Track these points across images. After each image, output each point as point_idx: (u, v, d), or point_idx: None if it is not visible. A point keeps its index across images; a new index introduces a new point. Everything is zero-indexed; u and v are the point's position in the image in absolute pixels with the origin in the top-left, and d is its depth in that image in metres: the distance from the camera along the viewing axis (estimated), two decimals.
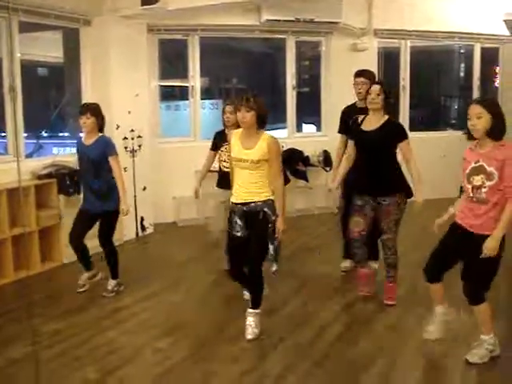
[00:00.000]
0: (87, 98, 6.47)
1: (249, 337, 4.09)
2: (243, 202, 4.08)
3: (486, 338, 3.67)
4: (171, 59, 8.58)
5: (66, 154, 7.21)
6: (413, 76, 8.95)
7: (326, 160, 7.97)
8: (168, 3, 6.35)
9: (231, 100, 5.44)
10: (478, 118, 3.40)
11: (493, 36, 9.12)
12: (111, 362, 3.79)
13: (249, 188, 4.05)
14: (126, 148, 6.66)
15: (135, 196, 6.86)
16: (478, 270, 3.53)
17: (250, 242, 4.08)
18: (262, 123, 4.03)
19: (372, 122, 4.57)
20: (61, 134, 8.55)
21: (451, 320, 3.92)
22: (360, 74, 5.26)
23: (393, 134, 4.53)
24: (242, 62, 10.08)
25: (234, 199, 4.16)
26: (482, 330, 3.69)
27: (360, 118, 4.67)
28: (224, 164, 5.13)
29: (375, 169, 4.55)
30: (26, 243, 5.45)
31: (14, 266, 5.35)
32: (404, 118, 8.63)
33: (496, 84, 9.83)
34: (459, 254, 3.63)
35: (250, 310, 4.16)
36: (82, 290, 5.09)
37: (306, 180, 7.97)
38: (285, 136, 8.18)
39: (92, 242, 5.12)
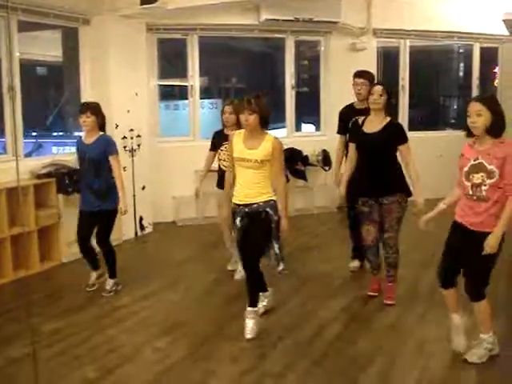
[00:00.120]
0: (86, 97, 6.47)
1: (248, 336, 4.09)
2: (245, 203, 4.09)
3: (485, 337, 3.67)
4: (170, 58, 8.59)
5: (65, 154, 7.19)
6: (412, 76, 8.96)
7: (325, 159, 7.97)
8: (167, 2, 6.34)
9: (230, 100, 5.46)
10: (478, 116, 3.40)
11: (492, 36, 9.14)
12: (111, 360, 3.79)
13: (251, 188, 4.06)
14: (125, 147, 6.66)
15: (134, 195, 6.86)
16: (478, 266, 3.53)
17: (248, 240, 4.10)
18: (265, 124, 4.05)
19: (374, 124, 4.57)
20: (60, 134, 8.54)
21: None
22: (360, 74, 5.25)
23: (394, 136, 4.53)
24: (241, 61, 10.07)
25: (235, 200, 4.16)
26: (481, 329, 3.69)
27: (360, 119, 4.66)
28: (223, 163, 5.14)
29: (377, 170, 4.55)
30: (25, 243, 5.46)
31: (13, 265, 5.35)
32: (403, 118, 8.64)
33: (495, 83, 9.84)
34: (463, 253, 3.60)
35: (249, 309, 4.16)
36: (91, 289, 5.08)
37: (305, 179, 7.98)
38: (284, 135, 8.18)
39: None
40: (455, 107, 10.89)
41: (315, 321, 4.40)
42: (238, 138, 4.12)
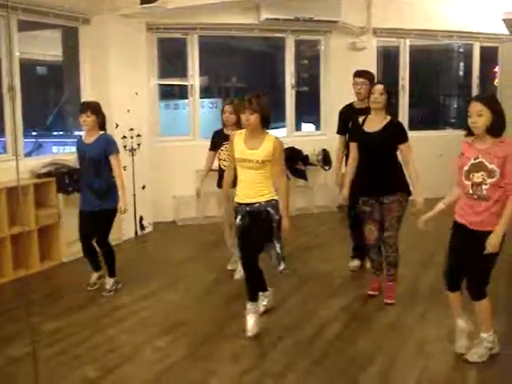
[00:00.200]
0: (86, 96, 6.46)
1: (249, 334, 4.09)
2: (247, 202, 4.11)
3: (486, 336, 3.66)
4: (170, 58, 8.58)
5: (65, 153, 7.20)
6: (412, 75, 8.96)
7: (325, 159, 7.97)
8: (167, 2, 6.34)
9: (230, 100, 5.47)
10: (479, 116, 3.39)
11: (492, 35, 9.14)
12: (111, 360, 3.79)
13: (252, 188, 4.07)
14: (125, 147, 6.66)
15: (134, 195, 6.86)
16: (479, 265, 3.53)
17: (248, 236, 4.12)
18: (265, 123, 4.07)
19: (374, 123, 4.57)
20: (60, 133, 8.54)
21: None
22: (360, 74, 5.25)
23: (395, 135, 4.54)
24: (241, 60, 10.07)
25: (237, 199, 4.18)
26: (481, 327, 3.68)
27: (361, 118, 4.66)
28: (224, 163, 5.13)
29: (377, 169, 4.55)
30: (25, 242, 5.46)
31: (13, 264, 5.35)
32: (403, 117, 8.63)
33: (495, 83, 9.84)
34: (465, 253, 3.59)
35: (249, 305, 4.17)
36: (92, 288, 5.08)
37: (306, 179, 7.97)
38: (284, 135, 8.18)
39: None
40: (455, 106, 10.89)
41: (315, 320, 4.40)
42: (239, 138, 4.12)
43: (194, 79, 7.84)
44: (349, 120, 4.89)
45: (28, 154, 6.61)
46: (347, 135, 5.09)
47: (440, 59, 10.42)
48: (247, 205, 4.11)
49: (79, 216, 5.01)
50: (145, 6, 6.25)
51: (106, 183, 4.87)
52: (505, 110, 3.46)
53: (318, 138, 8.42)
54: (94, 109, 4.87)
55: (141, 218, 7.11)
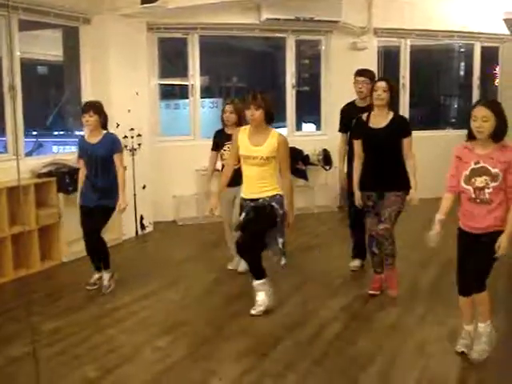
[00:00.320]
0: (87, 96, 6.47)
1: (260, 308, 4.26)
2: (252, 198, 4.17)
3: (483, 326, 3.64)
4: (171, 58, 8.58)
5: (65, 153, 7.20)
6: (413, 75, 8.96)
7: (326, 159, 7.97)
8: (168, 2, 6.34)
9: (231, 99, 5.48)
10: (485, 121, 3.38)
11: (493, 35, 9.13)
12: (110, 360, 3.79)
13: (256, 184, 4.12)
14: (125, 147, 6.63)
15: (135, 194, 6.86)
16: (483, 261, 3.52)
17: (250, 225, 4.19)
18: (270, 120, 4.10)
19: (379, 119, 4.60)
20: (61, 133, 8.54)
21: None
22: (361, 73, 5.27)
23: (400, 129, 4.60)
24: (241, 60, 10.07)
25: (243, 194, 4.26)
26: (479, 318, 3.67)
27: (364, 116, 4.68)
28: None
29: (383, 165, 4.58)
30: (25, 242, 5.45)
31: (14, 264, 5.35)
32: None
33: (496, 83, 9.83)
34: (472, 255, 3.57)
35: (255, 282, 4.29)
36: (92, 287, 5.08)
37: (306, 179, 7.97)
38: (284, 135, 8.15)
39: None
40: (456, 106, 10.88)
41: (315, 320, 4.40)
42: (243, 134, 4.15)
43: (195, 79, 7.84)
44: (351, 118, 4.90)
45: (28, 154, 6.61)
46: (349, 133, 5.10)
47: (441, 59, 10.41)
48: (252, 200, 4.16)
49: (80, 212, 5.02)
50: (145, 5, 6.26)
51: (110, 182, 4.90)
52: (505, 110, 3.46)
53: (318, 137, 8.42)
54: (97, 108, 4.88)
55: (141, 218, 7.11)
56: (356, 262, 5.52)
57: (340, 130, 5.43)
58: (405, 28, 8.57)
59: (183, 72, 7.93)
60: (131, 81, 6.77)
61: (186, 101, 8.06)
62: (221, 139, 5.31)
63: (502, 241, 3.41)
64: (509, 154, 3.40)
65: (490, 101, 3.79)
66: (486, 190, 3.45)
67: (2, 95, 5.70)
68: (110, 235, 5.23)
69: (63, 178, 5.79)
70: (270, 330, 4.21)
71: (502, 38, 9.19)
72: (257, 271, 4.29)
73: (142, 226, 7.14)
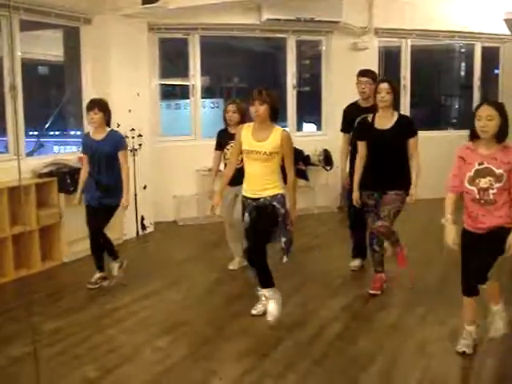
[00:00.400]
0: (87, 96, 6.46)
1: (270, 318, 4.17)
2: (253, 197, 4.16)
3: (497, 308, 3.72)
4: (172, 58, 8.58)
5: (66, 153, 7.20)
6: (413, 75, 8.96)
7: (327, 159, 7.97)
8: (169, 2, 6.34)
9: (233, 99, 5.49)
10: (489, 120, 3.39)
11: (493, 35, 9.13)
12: (111, 360, 3.79)
13: (258, 182, 4.12)
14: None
15: (136, 195, 6.86)
16: (485, 258, 3.53)
17: (254, 230, 4.18)
18: (274, 116, 4.09)
19: (384, 121, 4.61)
20: (62, 133, 8.54)
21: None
22: (364, 73, 5.27)
23: (406, 129, 4.62)
24: (242, 61, 10.06)
25: (244, 192, 4.24)
26: (491, 304, 3.73)
27: (369, 117, 4.68)
28: None
29: (387, 166, 4.59)
30: (26, 242, 5.46)
31: (15, 264, 5.35)
32: None
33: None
34: (477, 254, 3.57)
35: (263, 290, 4.25)
36: (93, 286, 5.08)
37: (307, 179, 7.96)
38: None
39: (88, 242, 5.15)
40: (456, 107, 10.88)
41: (316, 320, 4.40)
42: (246, 130, 4.15)
43: (196, 79, 7.84)
44: (353, 118, 4.90)
45: (29, 154, 6.61)
46: (351, 133, 5.10)
47: (441, 59, 10.41)
48: (254, 200, 4.16)
49: (86, 211, 5.05)
50: (146, 6, 6.26)
51: (114, 179, 4.92)
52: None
53: (319, 138, 8.42)
54: (102, 106, 4.92)
55: (142, 218, 7.11)
56: (356, 262, 5.53)
57: (342, 130, 5.43)
58: (405, 28, 8.57)
59: (184, 72, 7.94)
60: (132, 81, 6.78)
61: (187, 101, 8.06)
62: (224, 139, 5.33)
63: (511, 238, 3.42)
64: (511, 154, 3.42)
65: (495, 101, 3.79)
66: (491, 191, 3.46)
67: (3, 95, 5.70)
68: (111, 235, 5.21)
69: (64, 178, 5.79)
70: (271, 330, 4.21)
71: (503, 39, 9.19)
72: (266, 279, 4.24)
73: (143, 227, 7.14)
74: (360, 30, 8.26)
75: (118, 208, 5.00)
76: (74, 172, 5.79)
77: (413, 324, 4.32)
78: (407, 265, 4.84)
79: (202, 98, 8.08)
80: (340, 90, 7.63)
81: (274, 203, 4.10)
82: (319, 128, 8.77)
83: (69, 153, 6.99)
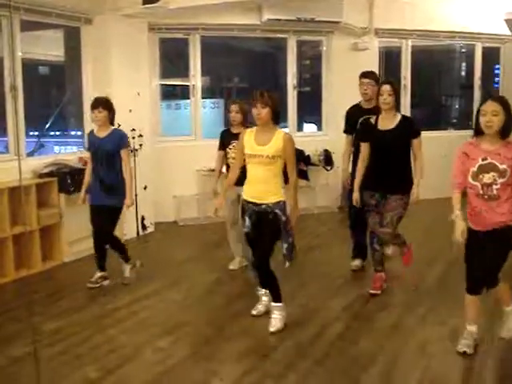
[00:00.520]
0: (88, 96, 6.48)
1: (271, 329, 4.14)
2: (255, 202, 4.12)
3: (509, 309, 3.77)
4: (172, 58, 8.58)
5: (67, 153, 7.20)
6: (414, 75, 8.95)
7: (327, 159, 7.97)
8: (169, 2, 6.35)
9: (234, 100, 5.49)
10: (494, 116, 3.40)
11: (494, 35, 9.13)
12: (112, 360, 3.79)
13: (260, 186, 4.08)
14: None
15: (136, 195, 6.84)
16: (494, 259, 3.53)
17: (258, 239, 4.15)
18: (276, 119, 4.08)
19: (387, 122, 4.61)
20: (62, 133, 8.53)
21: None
22: (366, 75, 5.28)
23: (409, 130, 4.62)
24: (242, 61, 10.06)
25: (245, 196, 4.20)
26: (503, 306, 3.79)
27: (372, 119, 4.68)
28: (232, 161, 5.13)
29: (389, 167, 4.59)
30: (26, 242, 5.46)
31: (15, 264, 5.35)
32: None
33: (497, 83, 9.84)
34: (482, 252, 3.57)
35: (273, 304, 4.24)
36: (93, 286, 5.09)
37: (307, 179, 7.97)
38: None
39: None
40: (457, 107, 10.87)
41: (316, 321, 4.40)
42: (249, 135, 4.13)
43: (196, 79, 7.84)
44: (356, 120, 4.89)
45: (30, 154, 6.61)
46: (354, 135, 5.10)
47: (442, 60, 10.41)
48: (255, 205, 4.13)
49: (90, 210, 5.08)
50: (147, 6, 6.26)
51: (117, 178, 4.93)
52: None
53: (319, 138, 8.42)
54: (106, 104, 4.94)
55: (142, 218, 7.11)
56: (356, 262, 5.53)
57: (345, 132, 5.42)
58: (406, 28, 8.57)
59: (184, 72, 7.94)
60: (132, 81, 6.78)
61: (187, 101, 8.05)
62: (227, 139, 5.33)
63: None
64: None
65: (500, 96, 3.80)
66: (494, 186, 3.46)
67: (4, 95, 5.70)
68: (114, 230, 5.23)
69: (64, 178, 5.79)
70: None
71: (503, 39, 9.20)
72: (276, 293, 4.24)
73: (144, 227, 7.14)
74: (360, 30, 8.26)
75: (122, 209, 5.00)
76: (74, 172, 5.79)
77: (413, 324, 4.31)
78: (412, 264, 4.84)
79: (203, 98, 8.08)
80: (340, 91, 7.63)
81: (276, 211, 4.08)
82: (320, 128, 8.77)
83: (69, 153, 6.98)
